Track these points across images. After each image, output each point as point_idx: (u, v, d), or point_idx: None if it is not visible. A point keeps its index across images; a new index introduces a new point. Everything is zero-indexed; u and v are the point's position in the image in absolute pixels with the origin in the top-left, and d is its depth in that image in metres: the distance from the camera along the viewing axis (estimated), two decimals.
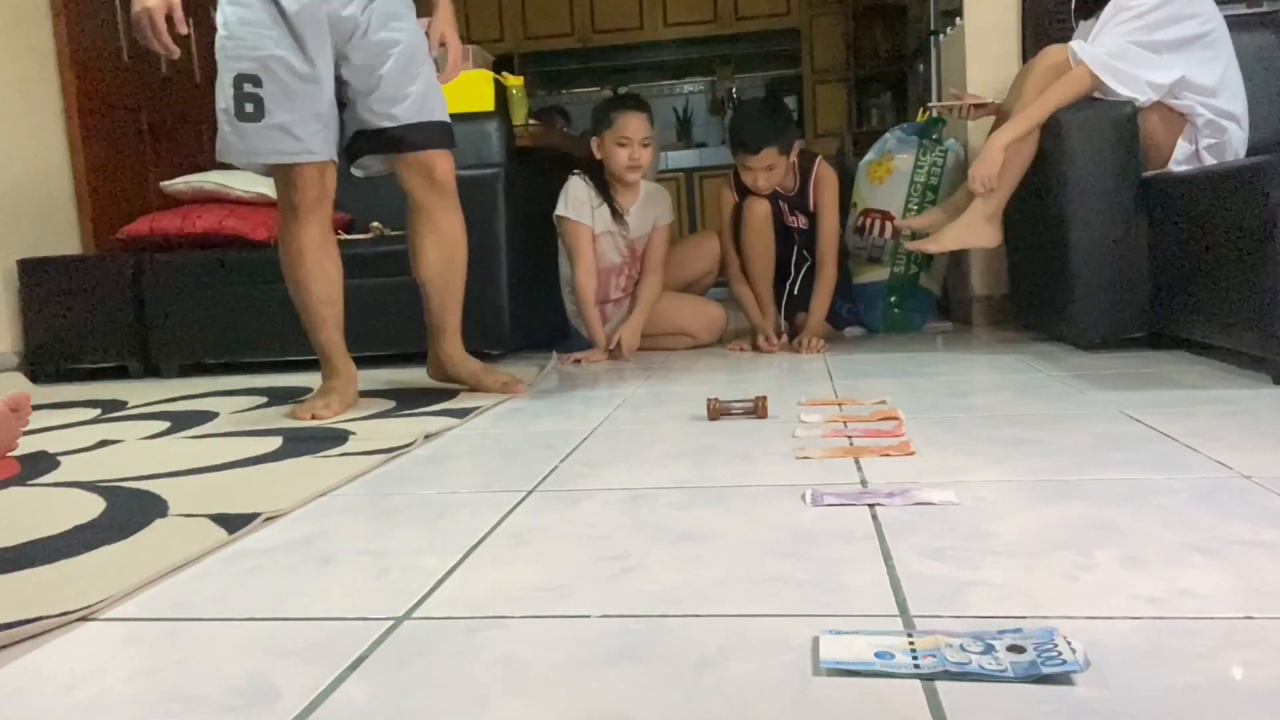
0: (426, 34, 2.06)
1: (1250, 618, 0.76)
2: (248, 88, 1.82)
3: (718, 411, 1.72)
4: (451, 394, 2.21)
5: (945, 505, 1.11)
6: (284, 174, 1.94)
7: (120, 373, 3.12)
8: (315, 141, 1.91)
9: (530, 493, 1.29)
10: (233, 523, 1.19)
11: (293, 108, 1.87)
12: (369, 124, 1.99)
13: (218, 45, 1.87)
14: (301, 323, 2.06)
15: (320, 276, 2.01)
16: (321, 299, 2.02)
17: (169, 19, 1.81)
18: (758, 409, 1.71)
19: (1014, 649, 0.70)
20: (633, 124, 2.85)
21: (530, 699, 0.69)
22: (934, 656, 0.70)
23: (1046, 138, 2.34)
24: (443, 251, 2.12)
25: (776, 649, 0.75)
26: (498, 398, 2.13)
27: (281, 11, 1.84)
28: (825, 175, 2.93)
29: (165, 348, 3.08)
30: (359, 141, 2.03)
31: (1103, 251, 2.26)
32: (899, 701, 0.65)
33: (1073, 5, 2.59)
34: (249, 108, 1.83)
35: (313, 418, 1.95)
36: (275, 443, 1.74)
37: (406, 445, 1.63)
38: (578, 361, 2.80)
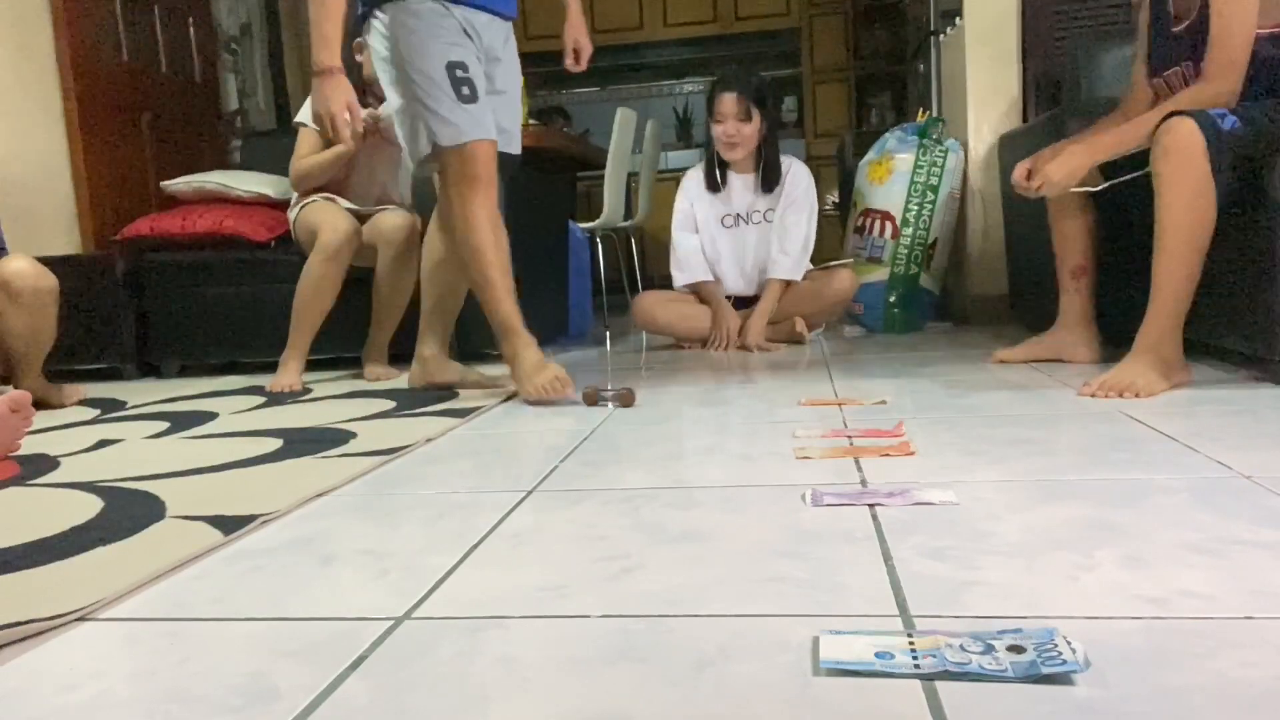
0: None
1: (1250, 618, 0.76)
2: (459, 73, 1.96)
3: (593, 399, 1.97)
4: (451, 394, 2.21)
5: (945, 505, 1.11)
6: (463, 152, 2.00)
7: (119, 373, 3.12)
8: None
9: (530, 493, 1.29)
10: (231, 524, 1.18)
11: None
12: None
13: (403, 42, 1.95)
14: (480, 296, 2.08)
15: (498, 245, 2.06)
16: (500, 268, 2.06)
17: (350, 113, 1.98)
18: (623, 398, 1.96)
19: (1014, 649, 0.70)
20: None
21: (530, 699, 0.69)
22: (934, 656, 0.70)
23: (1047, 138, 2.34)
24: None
25: (776, 649, 0.75)
26: (498, 397, 2.13)
27: (467, 29, 2.00)
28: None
29: (165, 348, 3.08)
30: None
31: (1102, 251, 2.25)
32: (899, 701, 0.65)
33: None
34: (465, 90, 1.97)
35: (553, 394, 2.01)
36: (275, 443, 1.74)
37: (406, 446, 1.63)
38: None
